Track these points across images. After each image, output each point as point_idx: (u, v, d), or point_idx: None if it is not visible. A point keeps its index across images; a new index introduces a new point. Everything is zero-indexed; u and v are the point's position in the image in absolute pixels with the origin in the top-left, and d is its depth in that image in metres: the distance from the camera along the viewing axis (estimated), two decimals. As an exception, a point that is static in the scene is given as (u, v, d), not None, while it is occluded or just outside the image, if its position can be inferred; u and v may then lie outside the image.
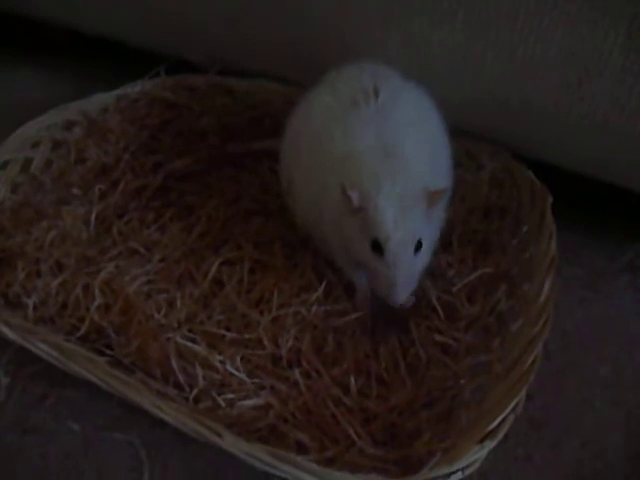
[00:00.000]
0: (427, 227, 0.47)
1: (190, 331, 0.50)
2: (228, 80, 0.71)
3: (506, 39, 0.53)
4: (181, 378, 0.47)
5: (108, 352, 0.49)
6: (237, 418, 0.45)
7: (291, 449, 0.43)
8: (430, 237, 0.48)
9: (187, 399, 0.46)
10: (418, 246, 0.46)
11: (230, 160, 0.67)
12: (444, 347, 0.49)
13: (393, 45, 0.59)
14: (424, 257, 0.47)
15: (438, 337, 0.49)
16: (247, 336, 0.50)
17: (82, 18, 0.79)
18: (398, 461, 0.43)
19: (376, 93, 0.49)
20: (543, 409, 0.50)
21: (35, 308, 0.52)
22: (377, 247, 0.45)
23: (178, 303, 0.52)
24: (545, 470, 0.47)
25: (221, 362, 0.48)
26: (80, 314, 0.51)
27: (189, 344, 0.49)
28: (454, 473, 0.39)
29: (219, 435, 0.40)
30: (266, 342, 0.49)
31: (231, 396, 0.46)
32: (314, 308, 0.51)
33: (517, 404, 0.41)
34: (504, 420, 0.40)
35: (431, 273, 0.53)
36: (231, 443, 0.39)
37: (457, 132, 0.54)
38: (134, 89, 0.71)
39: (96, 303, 0.51)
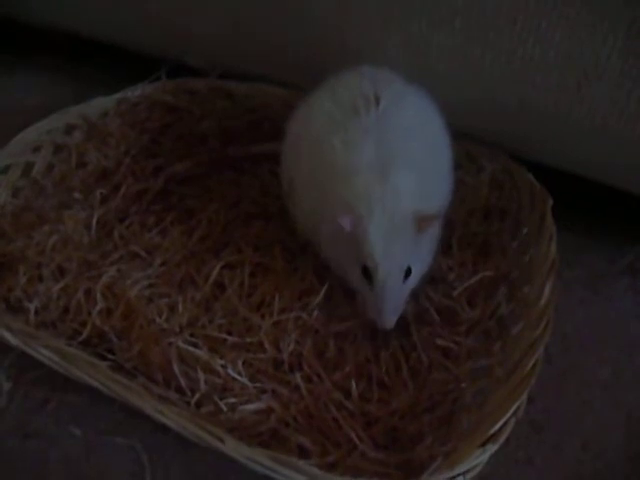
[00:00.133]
0: (418, 252, 0.47)
1: (192, 335, 0.50)
2: (228, 84, 0.71)
3: (505, 41, 0.53)
4: (183, 382, 0.47)
5: (110, 357, 0.49)
6: (239, 422, 0.45)
7: (293, 453, 0.43)
8: (421, 261, 0.48)
9: (189, 403, 0.46)
10: (407, 273, 0.47)
11: (230, 163, 0.67)
12: (445, 351, 0.49)
13: (393, 46, 0.59)
14: (413, 282, 0.48)
15: (439, 341, 0.49)
16: (249, 340, 0.50)
17: (82, 22, 0.79)
18: (399, 465, 0.43)
19: (377, 100, 0.49)
20: (544, 412, 0.50)
21: (37, 313, 0.52)
22: (367, 273, 0.46)
23: (179, 307, 0.52)
24: (546, 473, 0.47)
25: (223, 366, 0.48)
26: (82, 318, 0.51)
27: (191, 348, 0.49)
28: (456, 477, 0.39)
29: (221, 440, 0.40)
30: (267, 346, 0.50)
31: (233, 400, 0.46)
32: (315, 312, 0.51)
33: (518, 408, 0.41)
34: (505, 424, 0.40)
35: (431, 277, 0.53)
36: (233, 448, 0.39)
37: (457, 134, 0.54)
38: (134, 93, 0.71)
39: (98, 307, 0.51)
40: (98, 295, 0.52)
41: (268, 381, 0.48)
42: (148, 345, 0.48)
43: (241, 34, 0.68)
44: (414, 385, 0.47)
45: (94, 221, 0.60)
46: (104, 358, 0.49)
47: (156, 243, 0.58)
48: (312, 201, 0.50)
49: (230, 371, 0.47)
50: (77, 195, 0.62)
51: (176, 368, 0.47)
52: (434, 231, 0.49)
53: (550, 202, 0.55)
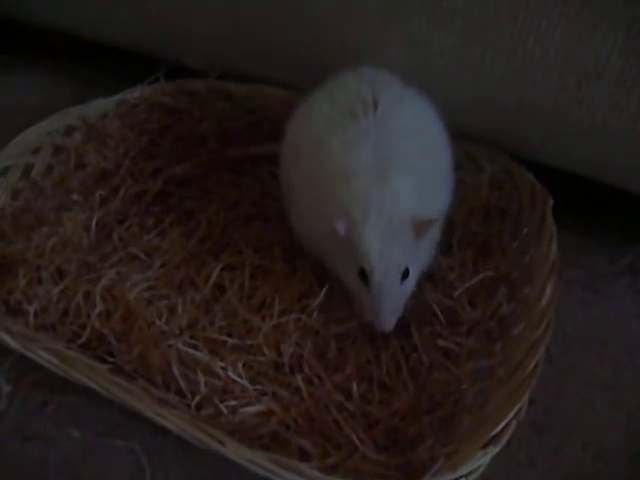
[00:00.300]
0: (416, 254, 0.47)
1: (192, 337, 0.50)
2: (227, 85, 0.71)
3: (505, 40, 0.53)
4: (183, 385, 0.47)
5: (109, 359, 0.49)
6: (239, 425, 0.45)
7: (293, 456, 0.43)
8: (419, 262, 0.48)
9: (189, 406, 0.46)
10: (405, 274, 0.47)
11: (230, 165, 0.67)
12: (446, 352, 0.49)
13: (393, 46, 0.59)
14: (411, 283, 0.48)
15: (440, 342, 0.49)
16: (249, 342, 0.50)
17: (82, 22, 0.79)
18: (400, 467, 0.43)
19: (375, 104, 0.49)
20: (545, 413, 0.50)
21: (36, 315, 0.52)
22: (363, 276, 0.46)
23: (179, 309, 0.52)
24: (547, 475, 0.47)
25: (223, 368, 0.48)
26: (81, 321, 0.51)
27: (191, 351, 0.49)
28: (457, 479, 0.39)
29: (221, 442, 0.40)
30: (268, 348, 0.49)
31: (233, 403, 0.46)
32: (315, 314, 0.51)
33: (520, 409, 0.41)
34: (507, 425, 0.40)
35: (432, 277, 0.53)
36: (233, 450, 0.39)
37: (456, 134, 0.54)
38: (133, 94, 0.71)
39: (97, 310, 0.51)
40: (97, 297, 0.52)
41: (268, 383, 0.47)
42: (148, 347, 0.48)
43: (241, 34, 0.68)
44: (415, 386, 0.47)
45: (93, 223, 0.59)
46: (104, 361, 0.49)
47: (155, 245, 0.58)
48: (310, 203, 0.50)
49: (230, 373, 0.47)
50: (76, 197, 0.62)
51: (176, 370, 0.47)
52: (433, 234, 0.49)
53: (550, 202, 0.55)
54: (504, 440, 0.40)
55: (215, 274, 0.54)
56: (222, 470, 0.46)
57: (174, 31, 0.72)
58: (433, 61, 0.58)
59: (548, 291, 0.48)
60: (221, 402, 0.46)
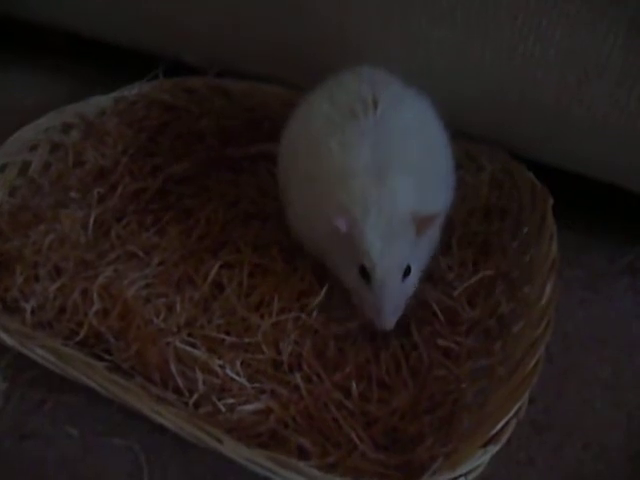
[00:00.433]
0: (417, 252, 0.47)
1: (190, 335, 0.50)
2: (227, 82, 0.71)
3: (505, 38, 0.53)
4: (181, 383, 0.46)
5: (107, 357, 0.49)
6: (237, 423, 0.44)
7: (292, 454, 0.42)
8: (420, 260, 0.48)
9: (187, 404, 0.46)
10: (407, 272, 0.46)
11: (229, 163, 0.67)
12: (446, 351, 0.49)
13: (393, 43, 0.59)
14: (413, 281, 0.48)
15: (440, 341, 0.49)
16: (247, 340, 0.50)
17: (80, 20, 0.78)
18: (400, 466, 0.42)
19: (375, 104, 0.49)
20: (545, 412, 0.50)
21: (33, 313, 0.52)
22: (364, 273, 0.46)
23: (177, 307, 0.52)
24: (547, 474, 0.47)
25: (221, 366, 0.47)
26: (78, 319, 0.51)
27: (188, 348, 0.48)
28: (457, 478, 0.39)
29: (219, 440, 0.39)
30: (266, 346, 0.49)
31: (231, 401, 0.46)
32: (315, 313, 0.51)
33: (520, 408, 0.41)
34: (507, 424, 0.40)
35: (431, 276, 0.53)
36: (231, 449, 0.39)
37: (456, 133, 0.53)
38: (132, 91, 0.71)
39: (94, 308, 0.51)
40: (95, 295, 0.52)
41: (267, 381, 0.47)
42: (145, 345, 0.48)
43: (241, 33, 0.67)
44: (414, 385, 0.47)
45: (91, 220, 0.59)
46: (101, 358, 0.48)
47: (154, 243, 0.58)
48: (308, 202, 0.50)
49: (228, 371, 0.47)
50: (74, 194, 0.62)
51: (174, 368, 0.47)
52: (434, 231, 0.49)
53: (551, 201, 0.55)
54: (504, 439, 0.40)
55: (213, 272, 0.54)
56: (220, 468, 0.46)
57: (173, 29, 0.72)
58: (433, 60, 0.58)
59: (548, 290, 0.48)
60: (219, 400, 0.46)
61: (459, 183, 0.56)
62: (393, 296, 0.46)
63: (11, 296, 0.53)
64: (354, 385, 0.47)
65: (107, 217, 0.60)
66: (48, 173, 0.64)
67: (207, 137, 0.68)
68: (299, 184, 0.52)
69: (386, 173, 0.46)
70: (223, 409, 0.45)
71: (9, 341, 0.47)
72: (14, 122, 0.65)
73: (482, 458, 0.39)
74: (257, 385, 0.47)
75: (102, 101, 0.70)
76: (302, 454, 0.43)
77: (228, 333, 0.50)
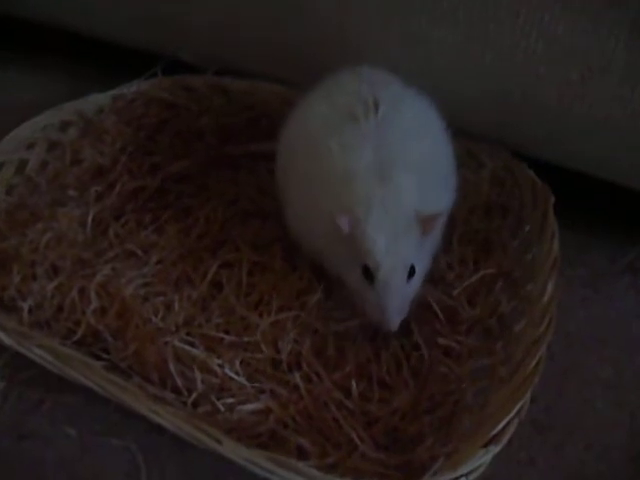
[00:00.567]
0: (421, 252, 0.47)
1: (188, 334, 0.49)
2: (226, 81, 0.71)
3: (507, 35, 0.53)
4: (179, 382, 0.46)
5: (105, 356, 0.48)
6: (236, 423, 0.44)
7: (292, 454, 0.42)
8: (424, 261, 0.48)
9: (185, 403, 0.45)
10: (411, 272, 0.46)
11: (228, 161, 0.66)
12: (447, 350, 0.49)
13: (393, 42, 0.58)
14: (417, 282, 0.47)
15: (441, 340, 0.49)
16: (246, 339, 0.49)
17: (80, 19, 0.78)
18: (400, 466, 0.42)
19: (376, 105, 0.49)
20: (546, 412, 0.49)
21: (30, 312, 0.51)
22: (368, 274, 0.45)
23: (176, 306, 0.51)
24: (548, 474, 0.47)
25: (220, 366, 0.47)
26: (76, 318, 0.50)
27: (187, 347, 0.48)
28: (459, 478, 0.38)
29: (218, 441, 0.39)
30: (266, 345, 0.49)
31: (230, 400, 0.45)
32: (314, 311, 0.51)
33: (521, 408, 0.41)
34: (508, 424, 0.40)
35: (432, 275, 0.52)
36: (230, 449, 0.39)
37: (457, 131, 0.53)
38: (130, 89, 0.70)
39: (92, 306, 0.51)
40: (92, 294, 0.51)
41: (266, 381, 0.47)
42: (144, 344, 0.47)
43: (241, 32, 0.67)
44: (415, 385, 0.47)
45: (89, 219, 0.59)
46: (99, 358, 0.48)
47: (152, 241, 0.58)
48: (308, 204, 0.50)
49: (227, 370, 0.47)
50: (72, 192, 0.62)
51: (172, 367, 0.46)
52: (436, 231, 0.49)
53: (552, 199, 0.55)
54: (505, 439, 0.40)
55: (212, 271, 0.54)
56: (219, 469, 0.45)
57: (173, 28, 0.71)
58: (434, 58, 0.57)
59: (550, 288, 0.48)
60: (218, 400, 0.45)
61: (460, 180, 0.56)
62: (397, 296, 0.45)
63: (8, 295, 0.52)
64: (354, 384, 0.46)
65: (105, 215, 0.60)
66: (45, 171, 0.63)
67: (206, 135, 0.68)
68: (298, 185, 0.51)
69: (390, 172, 0.46)
70: (222, 409, 0.45)
71: (6, 340, 0.47)
72: (13, 121, 0.65)
73: (483, 458, 0.38)
74: (256, 385, 0.47)
75: (100, 99, 0.69)
76: (302, 454, 0.43)
77: (227, 332, 0.50)
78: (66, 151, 0.65)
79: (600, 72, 0.51)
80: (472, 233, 0.57)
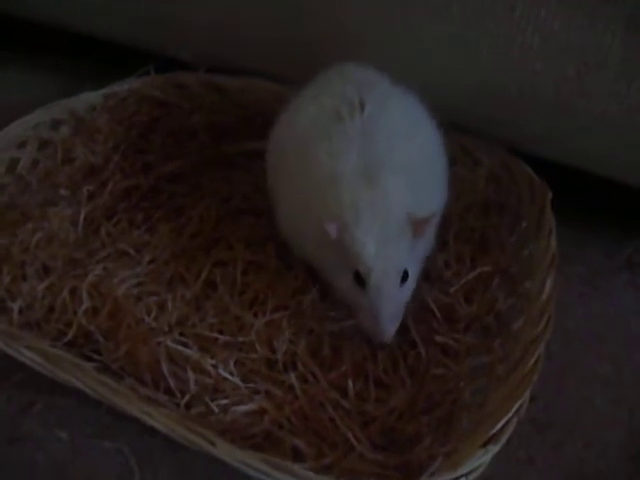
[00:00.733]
0: (413, 255, 0.46)
1: (181, 334, 0.49)
2: (219, 78, 0.70)
3: (503, 30, 0.52)
4: (172, 383, 0.45)
5: (96, 357, 0.48)
6: (230, 424, 0.43)
7: (287, 456, 0.41)
8: (416, 264, 0.47)
9: (178, 405, 0.45)
10: (404, 277, 0.45)
11: (222, 160, 0.66)
12: (444, 348, 0.48)
13: (391, 40, 0.58)
14: (410, 286, 0.46)
15: (438, 338, 0.48)
16: (241, 339, 0.49)
17: (80, 19, 0.77)
18: (398, 467, 0.42)
19: (361, 105, 0.48)
20: (545, 410, 0.49)
21: (21, 312, 0.51)
22: (359, 279, 0.45)
23: (169, 306, 0.51)
24: (548, 472, 0.46)
25: (214, 366, 0.46)
26: (67, 318, 0.50)
27: (180, 348, 0.47)
28: (458, 478, 0.38)
29: (212, 443, 0.38)
30: (260, 345, 0.48)
31: (224, 401, 0.45)
32: (309, 311, 0.50)
33: (520, 406, 0.40)
34: (507, 423, 0.39)
35: (428, 273, 0.52)
36: (224, 451, 0.38)
37: (453, 127, 0.53)
38: (122, 87, 0.70)
39: (84, 307, 0.50)
40: (84, 294, 0.51)
41: (261, 381, 0.46)
42: (136, 345, 0.47)
43: (241, 32, 0.67)
44: (412, 384, 0.46)
45: (81, 218, 0.58)
46: (90, 359, 0.47)
47: (145, 240, 0.57)
48: (297, 207, 0.49)
49: (221, 371, 0.46)
50: (63, 192, 0.61)
51: (165, 368, 0.46)
52: (429, 233, 0.48)
53: (549, 195, 0.55)
54: (504, 438, 0.39)
55: (206, 270, 0.53)
56: (213, 471, 0.45)
57: (173, 27, 0.70)
58: (430, 54, 0.57)
59: (548, 286, 0.47)
60: (212, 401, 0.44)
61: (456, 178, 0.55)
62: (390, 302, 0.45)
63: (-2, 296, 0.52)
64: (350, 384, 0.46)
65: (97, 215, 0.59)
66: (36, 170, 0.63)
67: (199, 134, 0.67)
68: (288, 186, 0.51)
69: (377, 175, 0.46)
70: (216, 410, 0.44)
71: (-4, 342, 0.46)
72: (1, 119, 0.64)
73: (483, 458, 0.38)
74: (251, 385, 0.46)
75: (92, 97, 0.68)
76: (297, 455, 0.42)
77: (221, 332, 0.49)
78: (57, 150, 0.64)
79: (596, 68, 0.51)
80: (469, 230, 0.57)
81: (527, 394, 0.41)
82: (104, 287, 0.51)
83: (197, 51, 0.70)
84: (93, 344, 0.48)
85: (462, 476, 0.38)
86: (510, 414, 0.40)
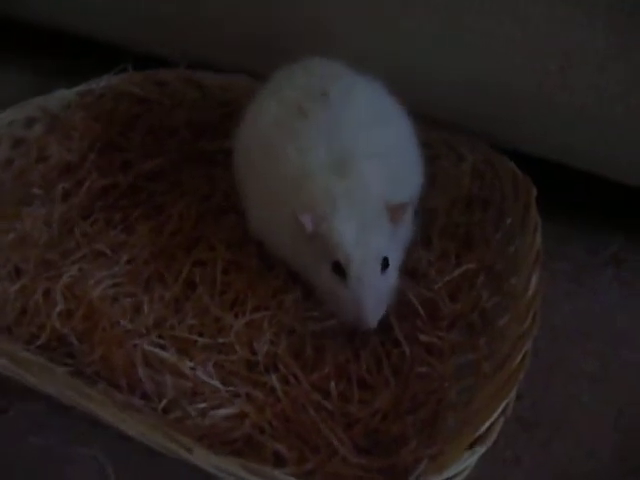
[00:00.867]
0: (393, 243, 0.45)
1: (159, 337, 0.48)
2: (199, 75, 0.69)
3: (483, 22, 0.52)
4: (148, 387, 0.44)
5: (69, 361, 0.46)
6: (209, 429, 0.42)
7: (268, 461, 0.40)
8: (397, 252, 0.47)
9: (155, 410, 0.43)
10: (385, 264, 0.44)
11: (202, 157, 0.64)
12: (428, 347, 0.47)
13: (369, 35, 0.58)
14: (392, 275, 0.46)
15: (422, 337, 0.47)
16: (220, 341, 0.47)
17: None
18: (383, 470, 0.41)
19: (324, 98, 0.48)
20: (532, 408, 0.48)
21: (-9, 316, 0.49)
22: (339, 270, 0.44)
23: (146, 307, 0.49)
24: (535, 472, 0.45)
25: (192, 369, 0.45)
26: (40, 321, 0.48)
27: (157, 351, 0.46)
28: (444, 481, 0.37)
29: (189, 450, 0.37)
30: (240, 346, 0.47)
31: (203, 405, 0.43)
32: (291, 311, 0.49)
33: (507, 405, 0.39)
34: (494, 423, 0.38)
35: (413, 270, 0.51)
36: (202, 458, 0.37)
37: (436, 123, 0.52)
38: (99, 84, 0.68)
39: (57, 309, 0.49)
40: (58, 295, 0.49)
41: (241, 384, 0.45)
42: (111, 348, 0.46)
43: (225, 27, 0.66)
44: (396, 384, 0.45)
45: (55, 218, 0.57)
46: (64, 363, 0.46)
47: (122, 240, 0.56)
48: (267, 207, 0.49)
49: (200, 374, 0.45)
50: (37, 190, 0.59)
51: (141, 372, 0.44)
52: (407, 219, 0.47)
53: (534, 192, 0.54)
54: (491, 439, 0.38)
55: (186, 270, 0.52)
56: (193, 476, 0.43)
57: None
58: (409, 48, 0.56)
59: (534, 282, 0.47)
60: (190, 405, 0.43)
61: (440, 173, 0.55)
62: (372, 290, 0.44)
63: (-32, 299, 0.50)
64: (333, 385, 0.45)
65: (72, 215, 0.58)
66: (10, 169, 0.61)
67: (180, 131, 0.66)
68: (256, 185, 0.50)
69: (350, 163, 0.45)
70: (193, 414, 0.43)
71: (-37, 346, 0.45)
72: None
73: (469, 460, 0.37)
74: (231, 388, 0.45)
75: (67, 94, 0.67)
76: (279, 460, 0.41)
77: (200, 334, 0.48)
78: (32, 148, 0.63)
79: (578, 60, 0.51)
80: (453, 227, 0.56)
81: (514, 393, 0.40)
82: (79, 289, 0.50)
83: (171, 45, 0.70)
84: (67, 347, 0.47)
85: (448, 479, 0.37)
86: (497, 413, 0.39)
